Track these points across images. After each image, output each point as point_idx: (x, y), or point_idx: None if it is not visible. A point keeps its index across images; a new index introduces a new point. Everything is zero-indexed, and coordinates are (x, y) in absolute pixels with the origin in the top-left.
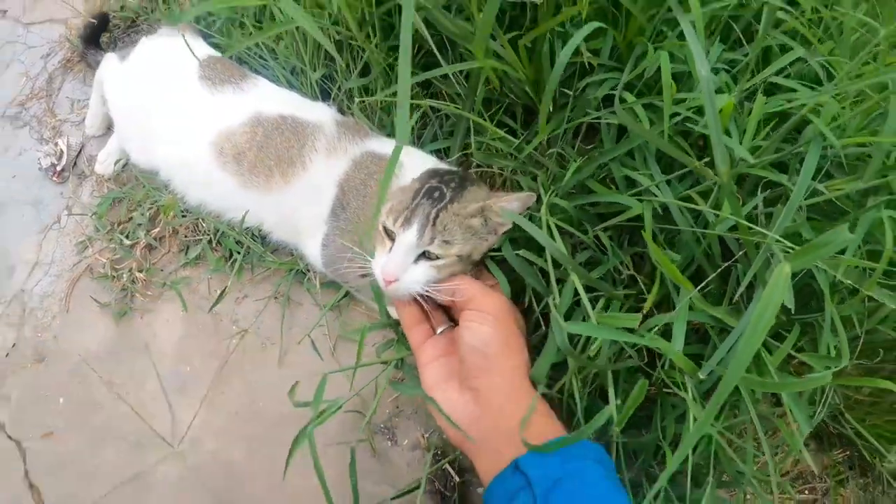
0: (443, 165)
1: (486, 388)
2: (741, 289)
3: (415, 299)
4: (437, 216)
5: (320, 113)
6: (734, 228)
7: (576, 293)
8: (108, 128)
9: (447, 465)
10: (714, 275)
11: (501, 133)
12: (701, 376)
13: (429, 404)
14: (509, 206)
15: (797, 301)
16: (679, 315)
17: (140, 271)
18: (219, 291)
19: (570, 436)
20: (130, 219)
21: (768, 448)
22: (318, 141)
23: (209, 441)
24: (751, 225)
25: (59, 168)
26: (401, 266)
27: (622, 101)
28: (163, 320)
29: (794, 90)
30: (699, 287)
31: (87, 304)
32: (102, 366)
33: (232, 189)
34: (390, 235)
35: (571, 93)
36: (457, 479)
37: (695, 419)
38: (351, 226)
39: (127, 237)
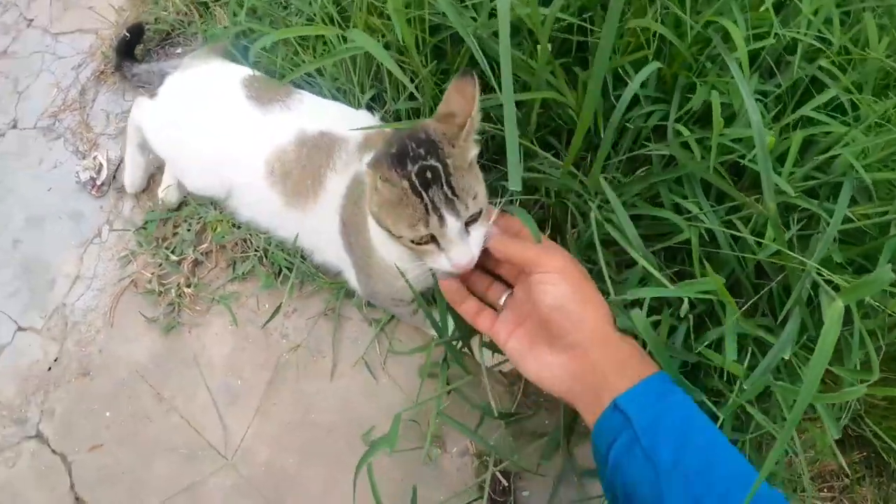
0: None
1: (579, 343)
2: (784, 311)
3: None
4: (451, 188)
5: (355, 123)
6: (774, 253)
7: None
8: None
9: (496, 472)
10: (755, 298)
11: (548, 156)
12: (745, 386)
13: (522, 373)
14: (475, 116)
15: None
16: (728, 330)
17: (188, 286)
18: (267, 306)
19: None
20: (176, 234)
21: (801, 448)
22: (338, 158)
23: (262, 451)
24: (791, 253)
25: (98, 182)
26: (469, 249)
27: (676, 133)
28: (212, 334)
29: (826, 123)
30: (743, 308)
31: (132, 318)
32: (151, 379)
33: (279, 208)
34: (428, 240)
35: (618, 122)
36: (505, 483)
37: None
38: (364, 263)
39: (173, 252)
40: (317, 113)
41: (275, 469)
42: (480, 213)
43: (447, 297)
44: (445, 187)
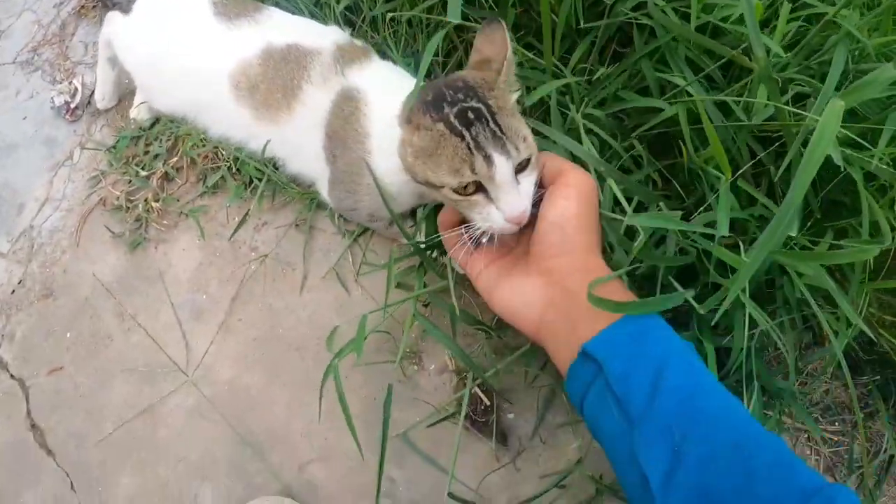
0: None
1: (560, 268)
2: (783, 167)
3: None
4: (498, 125)
5: (325, 38)
6: (768, 120)
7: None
8: (120, 98)
9: (476, 389)
10: (751, 164)
11: (530, 55)
12: (746, 259)
13: (491, 305)
14: (510, 58)
15: (824, 212)
16: (721, 200)
17: (156, 201)
18: (237, 219)
19: (641, 302)
20: (147, 152)
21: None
22: (313, 71)
23: (225, 369)
24: (791, 108)
25: (72, 106)
26: (523, 200)
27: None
28: (179, 250)
29: (812, 5)
30: (738, 173)
31: (98, 236)
32: (114, 298)
33: (248, 122)
34: (474, 189)
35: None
36: (486, 402)
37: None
38: (348, 179)
39: (143, 168)
40: (285, 26)
41: (238, 388)
42: (530, 161)
43: (439, 219)
44: (492, 124)
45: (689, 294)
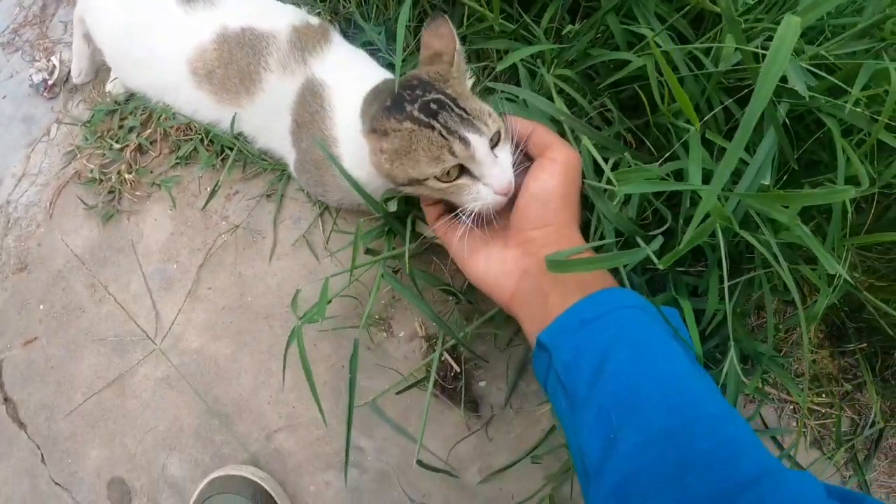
0: (383, 77)
1: (538, 239)
2: (747, 113)
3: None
4: (463, 109)
5: (279, 20)
6: (736, 68)
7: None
8: (97, 73)
9: (446, 355)
10: (718, 108)
11: (501, 21)
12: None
13: (466, 273)
14: (460, 49)
15: (802, 168)
16: (692, 151)
17: (129, 173)
18: (209, 189)
19: (590, 259)
20: (122, 126)
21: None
22: (270, 56)
23: (194, 338)
24: (757, 49)
25: (50, 83)
26: (506, 171)
27: None
28: (151, 220)
29: None
30: (703, 119)
31: (72, 209)
32: (86, 269)
33: (211, 105)
34: (458, 173)
35: None
36: (457, 368)
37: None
38: (316, 172)
39: (117, 142)
40: (239, 7)
41: (206, 357)
42: (500, 134)
43: (428, 217)
44: (456, 109)
45: (649, 250)
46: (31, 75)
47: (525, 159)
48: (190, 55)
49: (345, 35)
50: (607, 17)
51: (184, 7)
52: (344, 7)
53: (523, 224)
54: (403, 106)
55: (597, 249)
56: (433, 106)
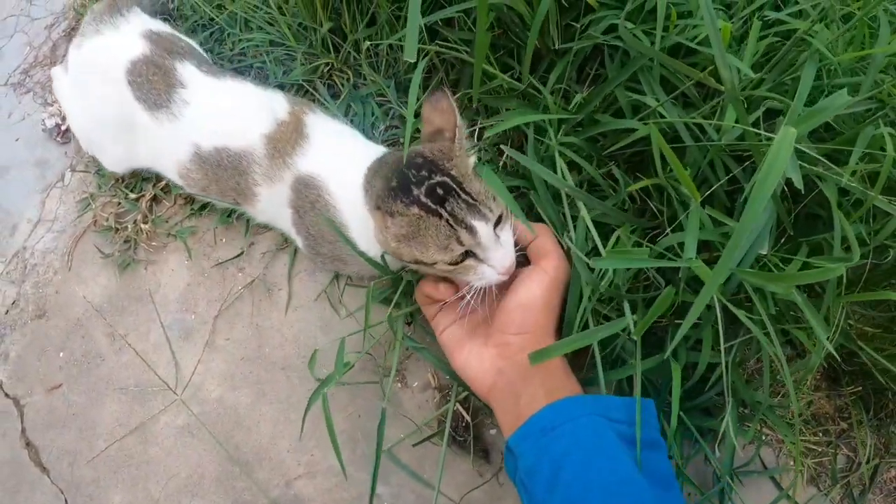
0: (367, 148)
1: (515, 343)
2: (748, 190)
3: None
4: (468, 194)
5: (248, 133)
6: (738, 139)
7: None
8: None
9: (458, 406)
10: (719, 184)
11: (508, 79)
12: (719, 281)
13: (451, 362)
14: (461, 125)
15: (800, 225)
16: (690, 223)
17: (145, 223)
18: (224, 240)
19: (559, 344)
20: (135, 175)
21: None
22: (255, 173)
23: (213, 387)
24: (757, 131)
25: (63, 128)
26: (508, 253)
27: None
28: (168, 270)
29: (786, 22)
30: (706, 194)
31: (89, 258)
32: (105, 318)
33: (217, 200)
34: (463, 258)
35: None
36: (469, 419)
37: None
38: (321, 248)
39: (132, 191)
40: (203, 125)
41: (226, 407)
42: (502, 215)
43: (420, 298)
44: (462, 195)
45: (622, 325)
46: (43, 119)
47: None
48: (177, 168)
49: (354, 87)
50: (615, 90)
51: (150, 114)
52: (354, 59)
53: (505, 328)
54: (410, 189)
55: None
56: (440, 191)
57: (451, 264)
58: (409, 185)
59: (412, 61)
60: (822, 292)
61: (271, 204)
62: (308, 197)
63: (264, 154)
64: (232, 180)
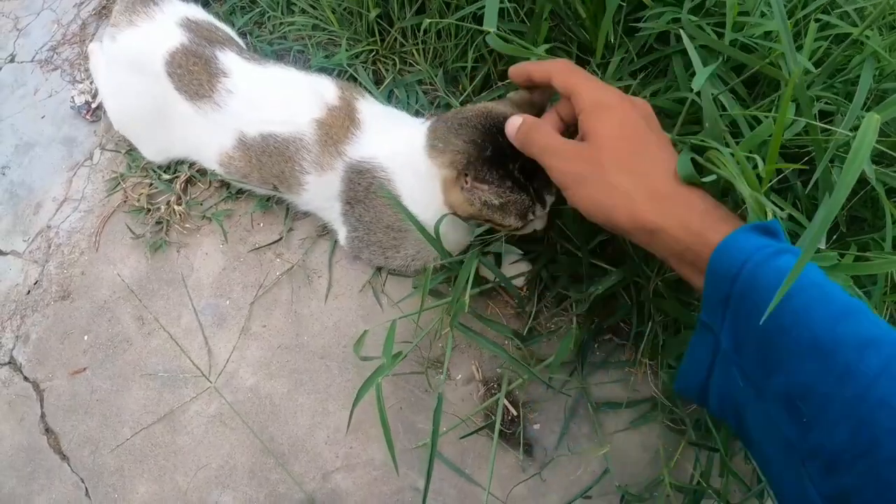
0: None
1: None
2: (813, 180)
3: None
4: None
5: (297, 118)
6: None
7: None
8: None
9: (504, 400)
10: (787, 170)
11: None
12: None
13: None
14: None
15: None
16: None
17: (178, 204)
18: (262, 224)
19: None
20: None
21: None
22: (304, 161)
23: (248, 375)
24: (819, 124)
25: (93, 105)
26: (547, 209)
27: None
28: (201, 254)
29: (838, 25)
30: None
31: (118, 238)
32: (133, 301)
33: (258, 188)
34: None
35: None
36: (514, 412)
37: None
38: (373, 236)
39: (165, 172)
40: (249, 112)
41: (261, 396)
42: None
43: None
44: (544, 172)
45: None
46: (73, 97)
47: None
48: (217, 157)
49: (399, 74)
50: (675, 74)
51: (192, 105)
52: (401, 46)
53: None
54: (505, 162)
55: None
56: (529, 165)
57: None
58: (504, 156)
59: (492, 30)
60: (867, 296)
61: (319, 193)
62: (361, 184)
63: (315, 140)
64: (277, 167)
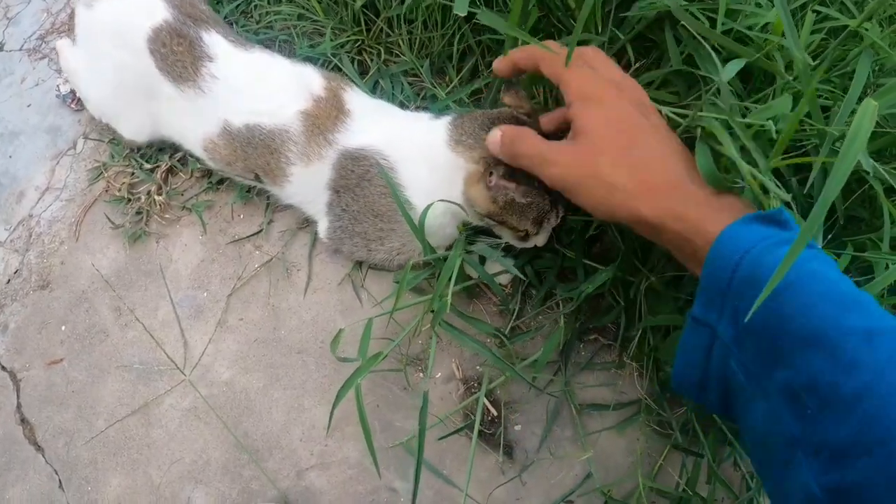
0: (410, 119)
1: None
2: (813, 174)
3: None
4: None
5: (283, 109)
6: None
7: None
8: None
9: (484, 400)
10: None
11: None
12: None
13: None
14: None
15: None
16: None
17: (159, 194)
18: (242, 216)
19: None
20: (151, 145)
21: None
22: (289, 152)
23: (223, 369)
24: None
25: (78, 95)
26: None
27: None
28: (181, 245)
29: (836, 18)
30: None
31: (98, 229)
32: (111, 292)
33: (239, 176)
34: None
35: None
36: (495, 413)
37: None
38: (359, 226)
39: (147, 161)
40: (234, 101)
41: (236, 391)
42: None
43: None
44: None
45: None
46: (58, 86)
47: None
48: (202, 143)
49: (384, 64)
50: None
51: (175, 86)
52: (386, 36)
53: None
54: None
55: None
56: None
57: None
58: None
59: (463, 15)
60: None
61: (304, 184)
62: (355, 171)
63: (301, 131)
64: (262, 159)
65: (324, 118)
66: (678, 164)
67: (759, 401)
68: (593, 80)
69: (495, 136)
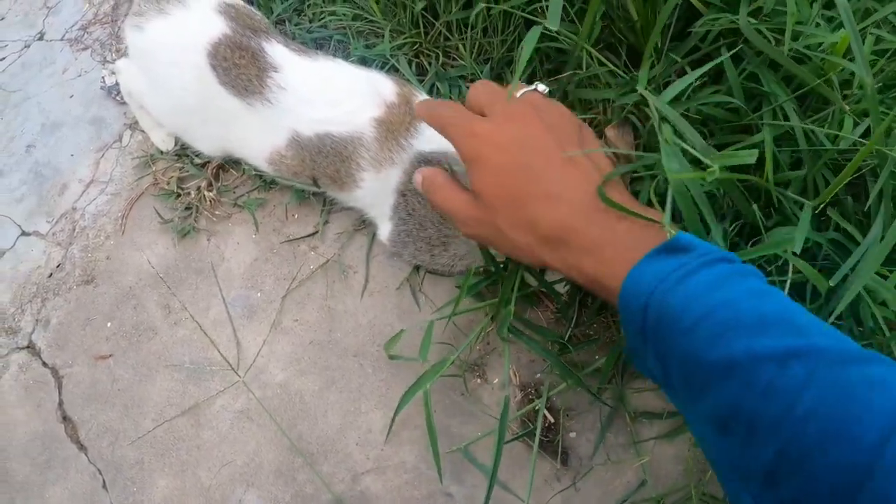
0: None
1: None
2: (873, 195)
3: None
4: None
5: (355, 118)
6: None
7: None
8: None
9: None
10: (838, 185)
11: (612, 67)
12: (830, 283)
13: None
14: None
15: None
16: (802, 221)
17: (210, 190)
18: (296, 216)
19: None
20: None
21: None
22: (361, 159)
23: (278, 371)
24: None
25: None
26: None
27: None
28: (233, 243)
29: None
30: (819, 205)
31: (146, 224)
32: (160, 289)
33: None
34: None
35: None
36: (552, 420)
37: None
38: (423, 231)
39: (198, 156)
40: (304, 111)
41: (290, 393)
42: None
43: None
44: None
45: None
46: (103, 77)
47: None
48: (267, 156)
49: (442, 68)
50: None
51: (239, 100)
52: (445, 40)
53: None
54: None
55: None
56: None
57: None
58: None
59: (555, 28)
60: None
61: (373, 189)
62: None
63: (374, 138)
64: (332, 167)
65: (397, 124)
66: (573, 203)
67: (697, 426)
68: (473, 139)
69: (417, 179)
